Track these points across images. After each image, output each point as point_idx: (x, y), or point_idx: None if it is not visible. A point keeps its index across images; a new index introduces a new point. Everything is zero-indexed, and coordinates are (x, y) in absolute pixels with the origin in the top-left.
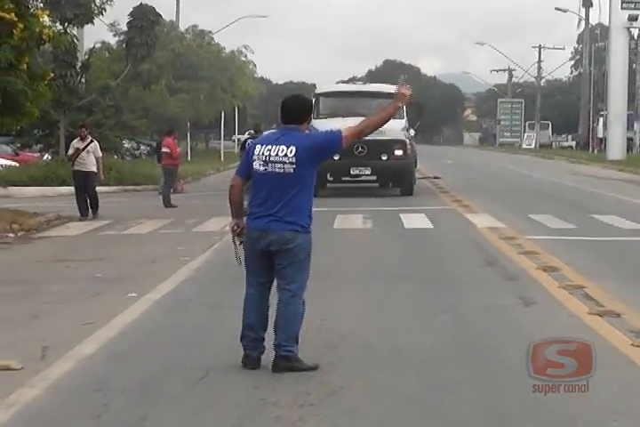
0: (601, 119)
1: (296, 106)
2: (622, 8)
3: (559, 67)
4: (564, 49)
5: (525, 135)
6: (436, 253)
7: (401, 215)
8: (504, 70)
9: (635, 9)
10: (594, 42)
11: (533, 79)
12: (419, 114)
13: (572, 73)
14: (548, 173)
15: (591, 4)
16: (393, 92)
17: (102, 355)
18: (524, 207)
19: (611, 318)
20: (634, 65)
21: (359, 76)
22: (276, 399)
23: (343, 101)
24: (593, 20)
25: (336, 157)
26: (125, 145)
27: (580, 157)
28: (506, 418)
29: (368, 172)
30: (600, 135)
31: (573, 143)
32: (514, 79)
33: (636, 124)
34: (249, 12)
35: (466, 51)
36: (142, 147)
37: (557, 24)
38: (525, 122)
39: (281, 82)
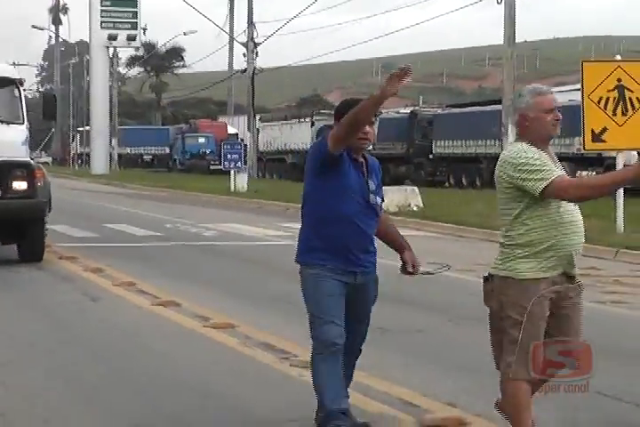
0: (78, 135)
1: None
2: (102, 27)
3: (34, 84)
4: (40, 66)
5: None
6: None
7: None
8: None
9: (114, 29)
10: (67, 59)
11: None
12: (49, 112)
13: (38, 89)
14: None
15: (61, 22)
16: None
17: None
18: None
19: (174, 308)
20: (110, 83)
21: None
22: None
23: None
24: (65, 37)
25: None
26: None
27: (64, 172)
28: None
29: None
30: (78, 151)
31: (49, 159)
32: None
33: (113, 140)
34: None
35: None
36: None
37: (31, 40)
38: None
39: None
